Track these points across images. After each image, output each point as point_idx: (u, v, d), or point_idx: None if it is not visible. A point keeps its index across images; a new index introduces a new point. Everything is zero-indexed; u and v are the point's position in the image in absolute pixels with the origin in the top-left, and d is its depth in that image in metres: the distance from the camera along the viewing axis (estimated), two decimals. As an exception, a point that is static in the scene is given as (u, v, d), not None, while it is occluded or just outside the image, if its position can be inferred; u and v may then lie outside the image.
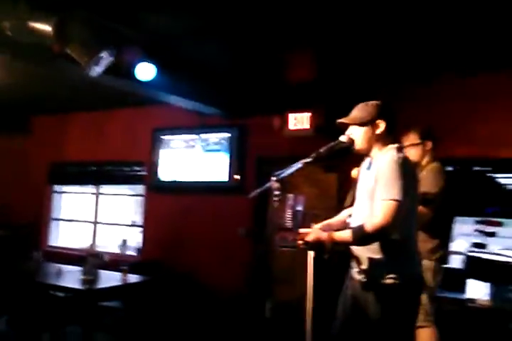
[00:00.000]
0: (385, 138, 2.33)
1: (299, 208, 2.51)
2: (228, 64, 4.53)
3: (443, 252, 3.19)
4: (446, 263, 3.29)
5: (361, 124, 2.31)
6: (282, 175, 2.32)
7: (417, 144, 3.23)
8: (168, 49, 4.09)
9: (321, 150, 2.34)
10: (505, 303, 3.77)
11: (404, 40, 3.67)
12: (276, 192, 2.29)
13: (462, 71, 4.24)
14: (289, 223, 2.48)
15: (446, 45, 3.71)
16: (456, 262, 4.10)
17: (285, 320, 4.41)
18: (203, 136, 5.76)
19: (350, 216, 2.52)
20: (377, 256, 2.16)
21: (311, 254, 2.34)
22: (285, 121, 5.10)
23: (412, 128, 3.28)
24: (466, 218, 4.21)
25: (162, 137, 6.02)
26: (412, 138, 3.24)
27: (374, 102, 2.37)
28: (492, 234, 3.98)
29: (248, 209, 5.31)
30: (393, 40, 3.70)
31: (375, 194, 2.14)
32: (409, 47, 3.82)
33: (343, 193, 4.60)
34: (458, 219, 3.49)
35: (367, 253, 2.19)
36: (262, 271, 5.35)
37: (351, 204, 2.52)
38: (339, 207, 4.64)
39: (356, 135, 2.32)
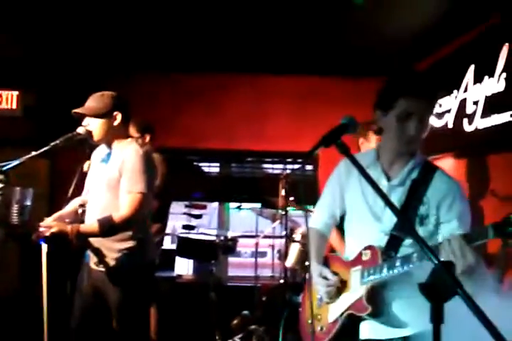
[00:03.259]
0: (122, 130, 2.39)
1: (28, 203, 2.34)
2: None
3: (162, 235, 3.46)
4: (163, 245, 3.58)
5: (98, 116, 2.30)
6: (8, 166, 2.15)
7: (136, 138, 3.35)
8: None
9: (58, 141, 2.23)
10: (206, 276, 4.32)
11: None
12: (0, 185, 2.11)
13: (169, 68, 4.53)
14: (15, 219, 2.29)
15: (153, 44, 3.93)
16: (167, 243, 4.47)
17: None
18: None
19: (81, 206, 2.49)
20: (121, 244, 2.24)
21: (44, 248, 2.23)
22: (-13, 99, 4.53)
23: (130, 122, 3.38)
24: (176, 202, 4.61)
25: None
26: (131, 131, 3.34)
27: (109, 93, 2.35)
28: (199, 216, 4.50)
29: None
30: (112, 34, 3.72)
31: (119, 186, 2.20)
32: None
33: (56, 182, 4.40)
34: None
35: (109, 243, 2.23)
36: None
37: (79, 195, 2.52)
38: (51, 197, 4.42)
39: (94, 126, 2.30)
